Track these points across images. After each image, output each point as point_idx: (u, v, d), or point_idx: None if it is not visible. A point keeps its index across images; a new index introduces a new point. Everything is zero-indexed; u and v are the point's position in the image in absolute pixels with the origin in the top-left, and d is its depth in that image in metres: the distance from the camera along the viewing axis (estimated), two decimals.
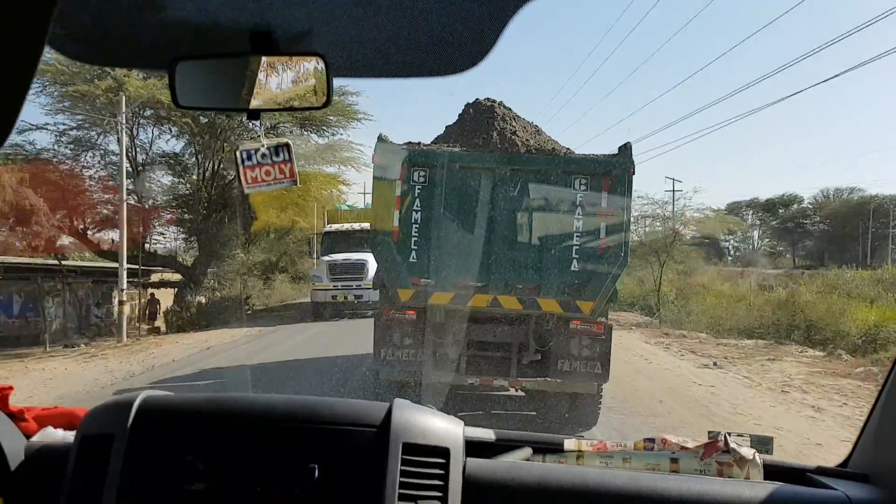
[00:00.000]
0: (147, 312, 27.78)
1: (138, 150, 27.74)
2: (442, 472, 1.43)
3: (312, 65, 1.22)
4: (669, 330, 20.78)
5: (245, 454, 1.43)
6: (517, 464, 1.60)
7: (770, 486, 1.54)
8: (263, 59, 1.22)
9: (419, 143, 8.77)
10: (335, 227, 24.29)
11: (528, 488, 1.48)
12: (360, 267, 21.37)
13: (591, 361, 8.06)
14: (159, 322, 26.46)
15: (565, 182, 8.15)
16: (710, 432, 1.68)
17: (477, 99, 9.28)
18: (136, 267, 24.67)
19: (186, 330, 22.62)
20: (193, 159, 28.79)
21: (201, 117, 25.58)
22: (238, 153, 1.42)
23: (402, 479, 1.39)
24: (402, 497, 1.37)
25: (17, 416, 1.69)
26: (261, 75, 1.24)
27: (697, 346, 17.20)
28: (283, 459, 1.42)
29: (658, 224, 28.05)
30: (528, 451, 1.68)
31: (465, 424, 1.60)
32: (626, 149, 8.47)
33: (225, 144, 26.63)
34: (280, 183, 1.47)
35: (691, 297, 25.47)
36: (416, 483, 1.40)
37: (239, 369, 12.59)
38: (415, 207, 8.22)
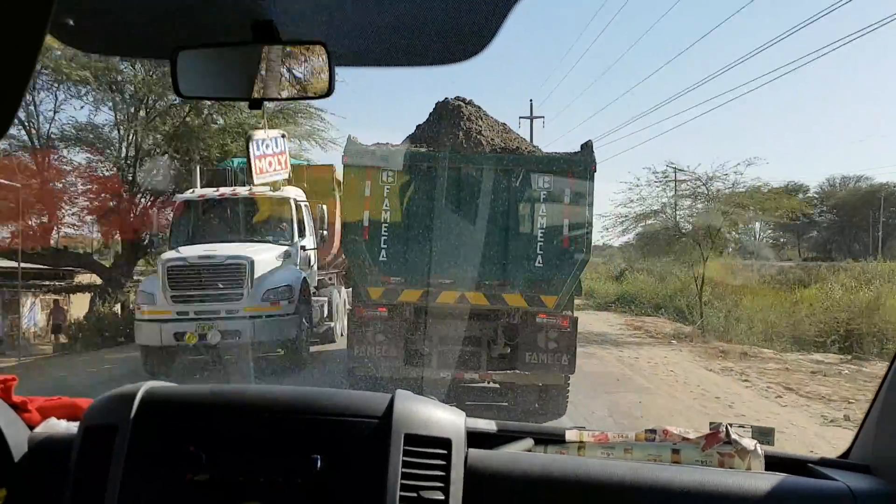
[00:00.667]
0: (50, 324, 23.72)
1: (41, 118, 20.68)
2: (444, 462, 1.43)
3: (314, 53, 1.22)
4: (721, 344, 16.75)
5: (248, 445, 1.43)
6: (519, 454, 1.60)
7: (771, 477, 1.54)
8: (265, 47, 1.22)
9: (387, 143, 8.93)
10: (199, 193, 12.87)
11: (530, 479, 1.48)
12: (235, 272, 10.97)
13: (557, 354, 8.31)
14: (65, 336, 20.65)
15: (529, 180, 8.38)
16: (711, 423, 1.69)
17: (446, 98, 9.46)
18: (41, 267, 21.46)
19: (97, 347, 17.11)
20: (116, 132, 21.86)
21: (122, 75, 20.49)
22: (252, 142, 1.42)
23: (404, 470, 1.39)
24: (404, 487, 1.38)
25: (20, 407, 1.69)
26: (262, 64, 1.24)
27: (781, 373, 12.84)
28: (285, 450, 1.42)
29: (699, 205, 21.41)
30: (529, 441, 1.68)
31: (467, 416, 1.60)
32: (587, 147, 8.72)
33: (157, 116, 21.07)
34: (278, 174, 1.47)
35: (726, 297, 21.10)
36: (418, 474, 1.40)
37: None
38: (384, 207, 8.42)
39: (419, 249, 8.42)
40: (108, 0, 1.17)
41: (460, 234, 8.37)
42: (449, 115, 9.10)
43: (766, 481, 1.50)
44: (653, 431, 1.67)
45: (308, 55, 1.23)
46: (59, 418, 1.73)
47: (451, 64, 1.20)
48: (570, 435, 1.68)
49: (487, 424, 1.70)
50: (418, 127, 9.39)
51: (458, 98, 9.41)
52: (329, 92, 1.24)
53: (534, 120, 37.70)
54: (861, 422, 1.72)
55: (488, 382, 9.04)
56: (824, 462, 1.65)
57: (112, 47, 1.31)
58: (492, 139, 8.85)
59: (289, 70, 1.25)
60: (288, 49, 1.23)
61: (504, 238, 8.41)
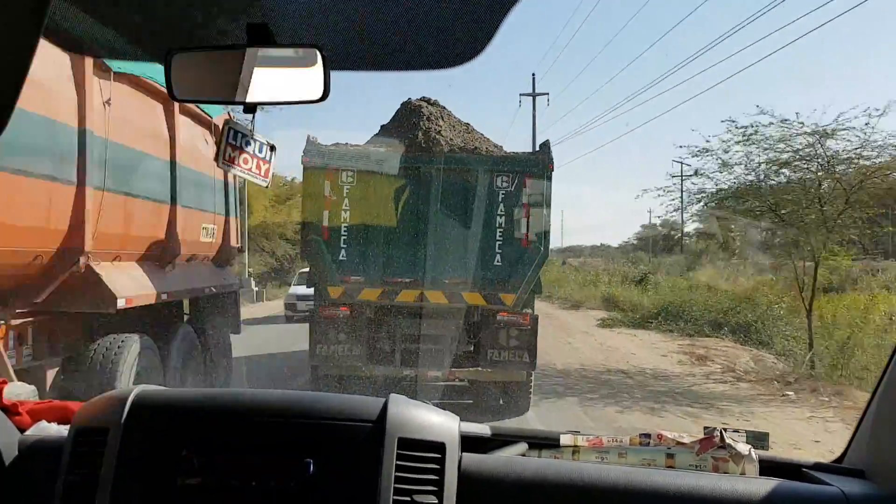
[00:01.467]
0: None
1: None
2: (437, 466, 1.43)
3: (309, 57, 1.21)
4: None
5: (240, 448, 1.43)
6: (513, 459, 1.60)
7: (766, 482, 1.54)
8: (260, 51, 1.21)
9: (346, 143, 8.98)
10: None
11: (524, 483, 1.48)
12: None
13: (518, 351, 8.40)
14: None
15: (488, 180, 8.49)
16: (705, 428, 1.69)
17: (409, 98, 9.55)
18: None
19: None
20: None
21: None
22: (226, 129, 1.42)
23: (397, 474, 1.39)
24: (397, 492, 1.37)
25: (10, 410, 1.68)
26: (257, 67, 1.24)
27: None
28: (278, 454, 1.42)
29: (810, 171, 12.45)
30: (523, 446, 1.68)
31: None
32: (545, 146, 8.89)
33: None
34: (252, 176, 1.46)
35: (842, 317, 13.89)
36: (412, 478, 1.40)
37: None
38: (343, 207, 8.49)
39: (379, 249, 8.50)
40: (102, 2, 1.16)
41: (420, 233, 8.49)
42: (410, 115, 9.17)
43: (760, 486, 1.50)
44: (647, 436, 1.67)
45: (303, 59, 1.22)
46: (49, 421, 1.72)
47: (446, 69, 1.20)
48: (565, 439, 1.68)
49: (481, 429, 1.70)
50: (382, 127, 9.49)
51: (421, 98, 9.49)
52: (324, 96, 1.24)
53: (536, 97, 36.39)
54: (855, 426, 1.72)
55: (456, 380, 9.11)
56: (819, 467, 1.65)
57: (107, 50, 1.31)
58: (451, 139, 8.91)
59: (283, 74, 1.24)
60: (282, 52, 1.23)
61: (463, 237, 8.51)
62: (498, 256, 8.49)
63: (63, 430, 1.61)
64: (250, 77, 1.24)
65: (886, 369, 1.61)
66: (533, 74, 35.35)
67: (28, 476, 1.54)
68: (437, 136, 8.83)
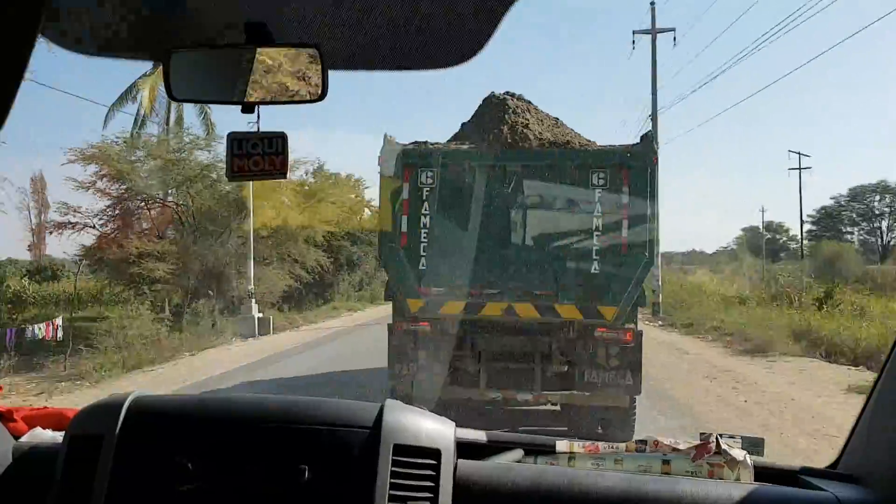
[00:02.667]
0: None
1: None
2: (433, 473, 1.42)
3: (308, 57, 1.21)
4: None
5: (235, 455, 1.42)
6: (509, 465, 1.60)
7: (760, 488, 1.54)
8: (258, 50, 1.21)
9: (425, 141, 8.27)
10: None
11: (520, 490, 1.47)
12: None
13: (620, 372, 7.49)
14: None
15: (582, 177, 7.61)
16: (701, 433, 1.69)
17: (492, 93, 8.77)
18: None
19: None
20: None
21: None
22: (229, 140, 1.41)
23: (392, 481, 1.38)
24: (392, 498, 1.37)
25: (5, 417, 1.67)
26: (256, 67, 1.23)
27: None
28: (273, 460, 1.41)
29: None
30: (519, 452, 1.68)
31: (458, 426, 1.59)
32: (647, 137, 8.00)
33: None
34: (268, 175, 1.46)
35: None
36: (407, 484, 1.39)
37: None
38: (423, 211, 7.73)
39: (462, 257, 7.64)
40: (100, 1, 1.16)
41: (507, 238, 7.67)
42: (493, 109, 8.42)
43: (755, 492, 1.51)
44: (643, 442, 1.67)
45: (301, 58, 1.22)
46: (44, 428, 1.71)
47: (446, 68, 1.20)
48: (561, 446, 1.68)
49: (477, 435, 1.70)
50: (463, 125, 8.82)
51: (505, 92, 8.71)
52: (322, 96, 1.24)
53: (657, 34, 27.57)
54: (849, 432, 1.72)
55: (546, 404, 8.10)
56: (813, 472, 1.66)
57: (104, 48, 1.30)
58: (540, 133, 8.06)
59: (282, 73, 1.24)
60: (281, 52, 1.22)
61: (555, 242, 7.68)
62: (595, 264, 7.53)
63: (58, 437, 1.60)
64: (249, 76, 1.24)
65: (880, 376, 1.62)
66: (652, 3, 27.71)
67: (22, 483, 1.53)
68: (525, 131, 8.02)
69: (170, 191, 22.44)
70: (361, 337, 17.37)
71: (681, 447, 1.64)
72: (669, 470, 1.62)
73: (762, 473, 1.62)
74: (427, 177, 7.79)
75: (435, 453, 1.44)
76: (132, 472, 1.40)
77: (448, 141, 8.49)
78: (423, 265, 7.70)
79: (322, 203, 26.27)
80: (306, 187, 27.32)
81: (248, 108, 1.30)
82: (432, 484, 1.41)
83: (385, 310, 25.93)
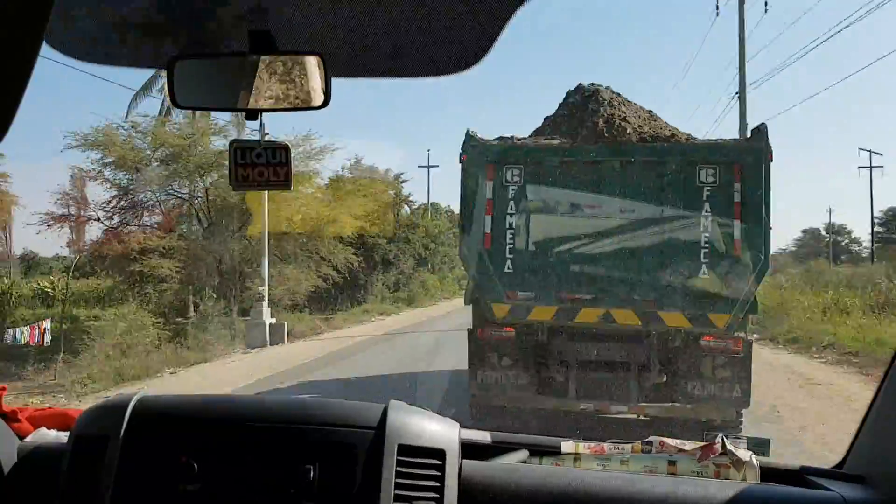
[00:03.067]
0: None
1: None
2: (438, 473, 1.43)
3: (311, 65, 1.22)
4: None
5: (240, 455, 1.43)
6: (514, 466, 1.60)
7: (766, 488, 1.54)
8: (262, 58, 1.22)
9: (511, 136, 7.70)
10: None
11: (525, 491, 1.48)
12: None
13: (727, 383, 6.89)
14: None
15: (688, 173, 7.00)
16: (706, 434, 1.68)
17: (580, 84, 8.25)
18: None
19: None
20: None
21: None
22: (232, 150, 1.42)
23: (397, 481, 1.39)
24: (397, 498, 1.37)
25: (10, 417, 1.68)
26: (259, 75, 1.24)
27: None
28: (278, 460, 1.42)
29: None
30: (524, 453, 1.68)
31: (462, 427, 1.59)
32: (760, 130, 7.21)
33: None
34: (272, 186, 1.47)
35: None
36: (412, 484, 1.40)
37: None
38: (509, 210, 7.20)
39: (553, 259, 7.17)
40: (104, 8, 1.17)
41: (603, 239, 7.11)
42: (585, 101, 7.87)
43: (761, 492, 1.51)
44: (649, 443, 1.67)
45: (305, 66, 1.23)
46: (49, 428, 1.72)
47: (448, 74, 1.21)
48: (566, 446, 1.68)
49: (482, 435, 1.70)
50: (547, 119, 8.27)
51: (593, 84, 8.19)
52: (325, 103, 1.25)
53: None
54: (856, 432, 1.72)
55: (641, 416, 7.37)
56: (819, 472, 1.66)
57: (109, 57, 1.31)
58: (639, 126, 7.47)
59: (285, 81, 1.25)
60: (285, 60, 1.23)
61: (658, 243, 7.04)
62: (703, 268, 6.89)
63: (63, 437, 1.61)
64: (252, 84, 1.24)
65: (886, 375, 1.62)
66: None
67: (27, 483, 1.54)
68: (623, 124, 7.41)
69: (183, 181, 20.38)
70: (388, 351, 15.40)
71: (687, 448, 1.64)
72: (675, 471, 1.62)
73: (768, 473, 1.62)
74: (513, 174, 7.23)
75: (440, 454, 1.45)
76: (137, 471, 1.41)
77: (530, 135, 7.95)
78: (508, 268, 7.19)
79: (354, 197, 23.84)
80: (340, 181, 25.03)
81: (251, 116, 1.31)
82: (437, 484, 1.42)
83: (422, 314, 25.54)
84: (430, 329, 19.28)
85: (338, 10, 1.14)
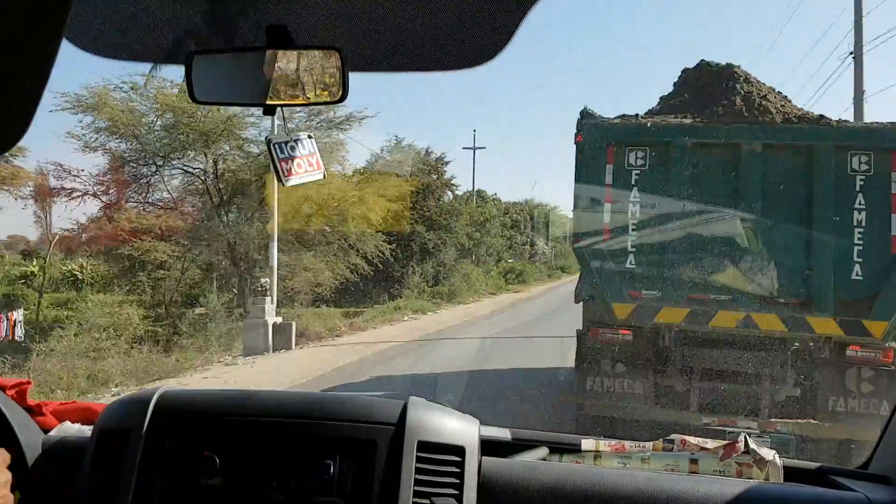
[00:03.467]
0: None
1: None
2: (457, 470, 1.43)
3: (328, 59, 1.22)
4: None
5: (261, 449, 1.44)
6: (533, 463, 1.59)
7: (790, 488, 1.52)
8: (279, 53, 1.22)
9: (635, 115, 6.99)
10: None
11: (545, 488, 1.47)
12: None
13: (872, 399, 6.13)
14: None
15: (839, 160, 6.20)
16: (729, 432, 1.66)
17: (702, 61, 7.53)
18: None
19: None
20: None
21: None
22: (272, 146, 1.43)
23: (417, 477, 1.39)
24: (417, 494, 1.38)
25: (34, 411, 1.70)
26: (277, 70, 1.24)
27: None
28: (299, 455, 1.43)
29: None
30: (544, 450, 1.67)
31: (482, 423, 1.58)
32: None
33: None
34: (312, 175, 1.48)
35: None
36: (432, 481, 1.40)
37: None
38: (632, 198, 6.44)
39: (682, 253, 6.38)
40: (123, 5, 1.17)
41: (741, 232, 6.31)
42: (715, 78, 7.13)
43: (784, 492, 1.49)
44: (670, 441, 1.65)
45: (322, 60, 1.23)
46: (73, 422, 1.74)
47: (467, 68, 1.20)
48: (587, 444, 1.67)
49: (502, 433, 1.69)
50: (663, 98, 7.55)
51: (729, 63, 7.36)
52: (343, 97, 1.24)
53: None
54: (881, 433, 1.70)
55: (772, 432, 6.28)
56: (843, 473, 1.64)
57: (128, 52, 1.32)
58: (781, 106, 6.64)
59: (303, 75, 1.25)
60: (302, 54, 1.23)
61: (804, 239, 6.26)
62: (857, 268, 6.07)
63: (86, 431, 1.63)
64: (270, 79, 1.24)
65: None
66: None
67: (51, 476, 1.56)
68: (764, 103, 6.58)
69: (190, 153, 17.18)
70: (415, 366, 11.54)
71: (709, 446, 1.62)
72: (697, 469, 1.61)
73: (791, 473, 1.60)
74: (637, 157, 6.47)
75: (459, 450, 1.45)
76: (159, 465, 1.42)
77: (646, 115, 7.16)
78: (631, 262, 6.46)
79: (388, 178, 20.97)
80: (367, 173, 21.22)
81: (269, 111, 1.32)
82: (457, 481, 1.42)
83: (464, 312, 21.39)
84: (472, 334, 16.39)
85: (355, 5, 1.13)
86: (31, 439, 1.61)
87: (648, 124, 6.67)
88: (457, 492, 1.40)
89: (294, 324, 14.64)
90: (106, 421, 1.54)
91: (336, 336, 16.12)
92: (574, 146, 6.65)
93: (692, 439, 1.65)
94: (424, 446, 1.42)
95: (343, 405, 1.52)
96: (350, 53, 1.18)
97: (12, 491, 1.51)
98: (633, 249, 6.45)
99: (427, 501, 1.38)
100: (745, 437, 1.62)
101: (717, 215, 6.33)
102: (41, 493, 1.55)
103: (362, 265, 19.39)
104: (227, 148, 17.28)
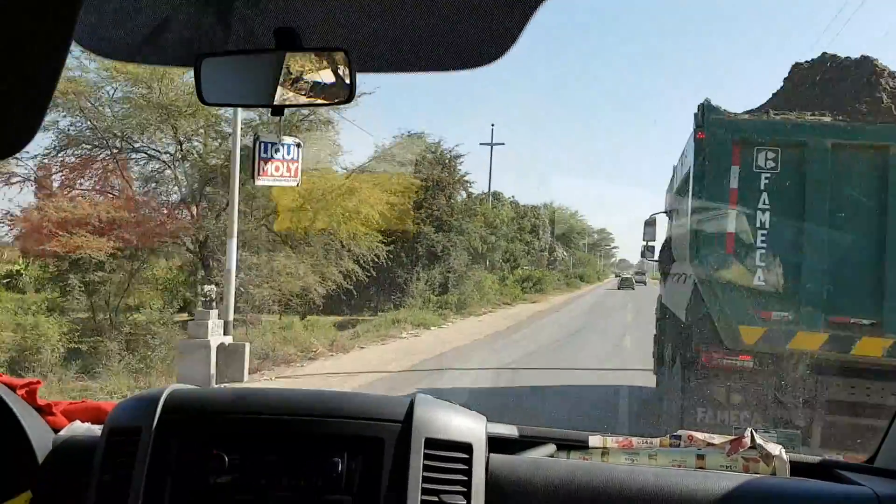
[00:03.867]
0: None
1: None
2: (465, 467, 1.43)
3: (336, 60, 1.23)
4: None
5: (270, 447, 1.45)
6: (541, 460, 1.60)
7: (797, 482, 1.52)
8: (287, 55, 1.23)
9: (766, 111, 6.33)
10: None
11: (552, 485, 1.47)
12: None
13: None
14: None
15: None
16: (735, 428, 1.67)
17: (825, 54, 6.92)
18: None
19: None
20: None
21: None
22: (257, 143, 1.45)
23: (424, 474, 1.39)
24: (425, 492, 1.38)
25: (45, 410, 1.72)
26: (285, 71, 1.25)
27: None
28: (307, 452, 1.44)
29: None
30: (552, 447, 1.68)
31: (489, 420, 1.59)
32: None
33: None
34: (285, 180, 1.49)
35: None
36: (439, 478, 1.40)
37: None
38: (760, 205, 5.73)
39: (817, 270, 5.66)
40: (132, 7, 1.19)
41: (886, 246, 5.59)
42: (848, 73, 6.53)
43: (791, 486, 1.49)
44: (677, 437, 1.66)
45: (329, 62, 1.24)
46: (83, 421, 1.75)
47: (473, 68, 1.21)
48: (594, 440, 1.67)
49: (509, 429, 1.70)
50: (776, 95, 7.09)
51: (865, 56, 6.71)
52: (350, 98, 1.26)
53: None
54: (887, 427, 1.70)
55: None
56: (850, 467, 1.64)
57: (137, 55, 1.33)
58: None
59: (310, 77, 1.26)
60: (310, 56, 1.25)
61: None
62: None
63: (96, 430, 1.64)
64: (278, 80, 1.26)
65: None
66: None
67: (62, 475, 1.57)
68: None
69: (150, 132, 14.61)
70: None
71: (715, 442, 1.63)
72: (704, 465, 1.61)
73: (798, 468, 1.60)
74: (767, 159, 5.73)
75: (466, 447, 1.45)
76: (169, 464, 1.43)
77: (763, 107, 6.55)
78: (759, 279, 5.70)
79: (389, 171, 18.33)
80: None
81: (277, 111, 1.33)
82: (464, 478, 1.42)
83: (475, 329, 17.85)
84: (483, 360, 13.21)
85: (361, 6, 1.14)
86: (42, 439, 1.62)
87: (779, 122, 5.98)
88: (465, 489, 1.41)
89: (248, 346, 11.40)
90: (115, 420, 1.55)
91: (310, 359, 13.10)
92: (693, 144, 5.89)
93: (699, 435, 1.65)
94: (432, 443, 1.43)
95: (350, 402, 1.53)
96: (357, 54, 1.19)
97: (24, 490, 1.53)
98: (763, 264, 5.69)
99: (435, 499, 1.39)
100: (752, 432, 1.62)
101: (860, 227, 5.69)
102: (52, 493, 1.56)
103: (356, 270, 16.82)
104: (195, 127, 14.56)
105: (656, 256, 10.30)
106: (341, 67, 1.22)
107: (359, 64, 1.20)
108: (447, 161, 24.39)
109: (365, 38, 1.23)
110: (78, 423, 1.74)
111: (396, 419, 1.46)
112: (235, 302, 11.87)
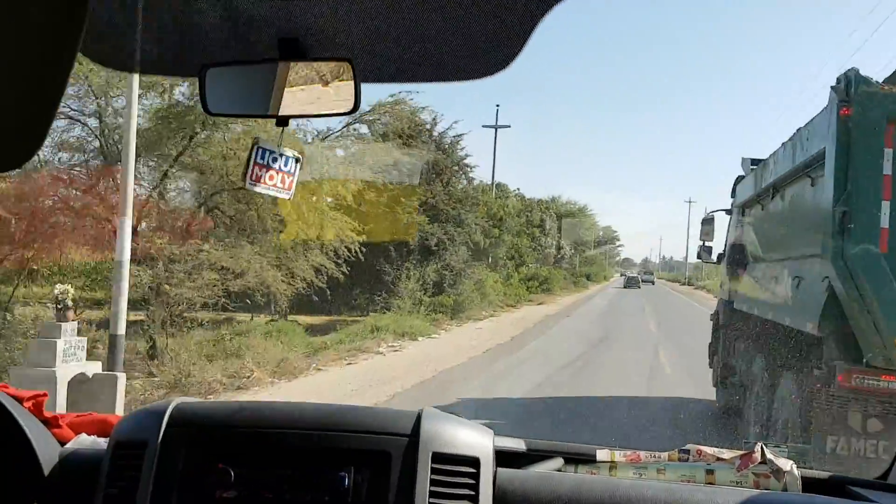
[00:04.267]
0: None
1: None
2: (472, 481, 1.42)
3: (340, 70, 1.23)
4: None
5: (276, 461, 1.44)
6: (548, 474, 1.59)
7: (808, 499, 1.50)
8: (291, 65, 1.23)
9: None
10: None
11: (560, 499, 1.46)
12: None
13: None
14: None
15: None
16: (745, 442, 1.65)
17: None
18: None
19: None
20: None
21: None
22: (255, 148, 1.45)
23: (432, 489, 1.39)
24: None
25: (51, 423, 1.71)
26: (289, 81, 1.25)
27: None
28: (313, 467, 1.43)
29: None
30: (559, 461, 1.66)
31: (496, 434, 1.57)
32: None
33: None
34: (277, 191, 1.49)
35: None
36: (447, 493, 1.39)
37: None
38: None
39: None
40: (136, 18, 1.19)
41: None
42: None
43: (802, 503, 1.47)
44: (686, 451, 1.64)
45: (334, 71, 1.24)
46: (89, 434, 1.75)
47: (477, 79, 1.20)
48: (602, 455, 1.66)
49: (516, 443, 1.69)
50: None
51: None
52: (354, 108, 1.26)
53: None
54: None
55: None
56: (862, 483, 1.62)
57: (141, 65, 1.34)
58: None
59: (314, 86, 1.26)
60: (314, 66, 1.24)
61: None
62: None
63: (102, 443, 1.64)
64: (282, 90, 1.26)
65: None
66: None
67: (68, 488, 1.57)
68: None
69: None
70: None
71: (725, 456, 1.61)
72: (713, 480, 1.59)
73: (809, 484, 1.58)
74: None
75: (474, 461, 1.44)
76: (175, 477, 1.43)
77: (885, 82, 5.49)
78: None
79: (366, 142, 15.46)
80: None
81: (281, 122, 1.33)
82: (472, 493, 1.41)
83: (472, 343, 13.78)
84: (481, 394, 9.80)
85: (365, 16, 1.14)
86: (48, 451, 1.62)
87: None
88: (472, 503, 1.40)
89: (121, 377, 8.12)
90: (121, 433, 1.55)
91: (238, 388, 9.87)
92: (834, 122, 5.00)
93: (708, 449, 1.63)
94: (439, 457, 1.42)
95: (356, 416, 1.53)
96: (361, 65, 1.19)
97: (30, 503, 1.52)
98: None
99: None
100: (762, 447, 1.60)
101: None
102: None
103: (326, 265, 13.80)
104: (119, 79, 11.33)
105: (713, 258, 9.96)
106: (345, 77, 1.22)
107: (363, 73, 1.20)
108: (441, 142, 20.89)
109: (370, 48, 1.23)
110: (84, 435, 1.74)
111: (403, 433, 1.45)
112: (167, 303, 9.25)
